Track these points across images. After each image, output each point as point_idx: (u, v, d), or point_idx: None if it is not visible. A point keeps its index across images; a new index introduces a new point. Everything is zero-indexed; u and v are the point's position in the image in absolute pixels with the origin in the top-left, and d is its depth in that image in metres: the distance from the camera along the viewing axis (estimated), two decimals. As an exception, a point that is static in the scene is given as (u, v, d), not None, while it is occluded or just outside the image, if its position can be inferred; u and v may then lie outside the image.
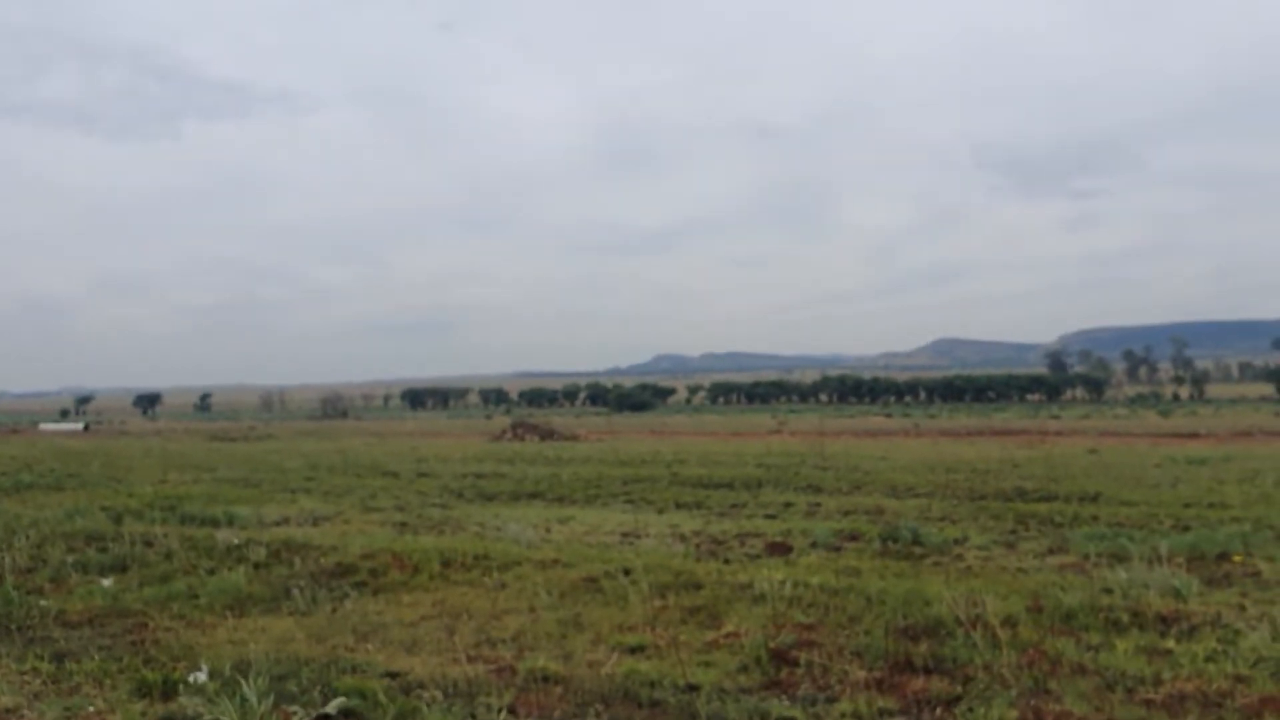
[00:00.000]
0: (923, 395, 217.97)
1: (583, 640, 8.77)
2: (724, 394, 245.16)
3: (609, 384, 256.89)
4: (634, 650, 8.38)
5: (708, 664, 7.88)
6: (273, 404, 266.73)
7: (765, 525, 17.38)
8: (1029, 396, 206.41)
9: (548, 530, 16.94)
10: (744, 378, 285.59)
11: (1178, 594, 10.11)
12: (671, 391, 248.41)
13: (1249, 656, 7.75)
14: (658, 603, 10.04)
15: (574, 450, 46.26)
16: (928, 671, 7.61)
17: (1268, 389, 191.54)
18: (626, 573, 11.42)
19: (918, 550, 14.07)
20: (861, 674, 7.55)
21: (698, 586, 10.85)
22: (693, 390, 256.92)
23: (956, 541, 14.83)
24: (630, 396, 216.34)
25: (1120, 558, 12.61)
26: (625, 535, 16.32)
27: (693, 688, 7.24)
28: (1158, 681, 7.20)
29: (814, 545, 14.58)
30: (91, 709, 7.11)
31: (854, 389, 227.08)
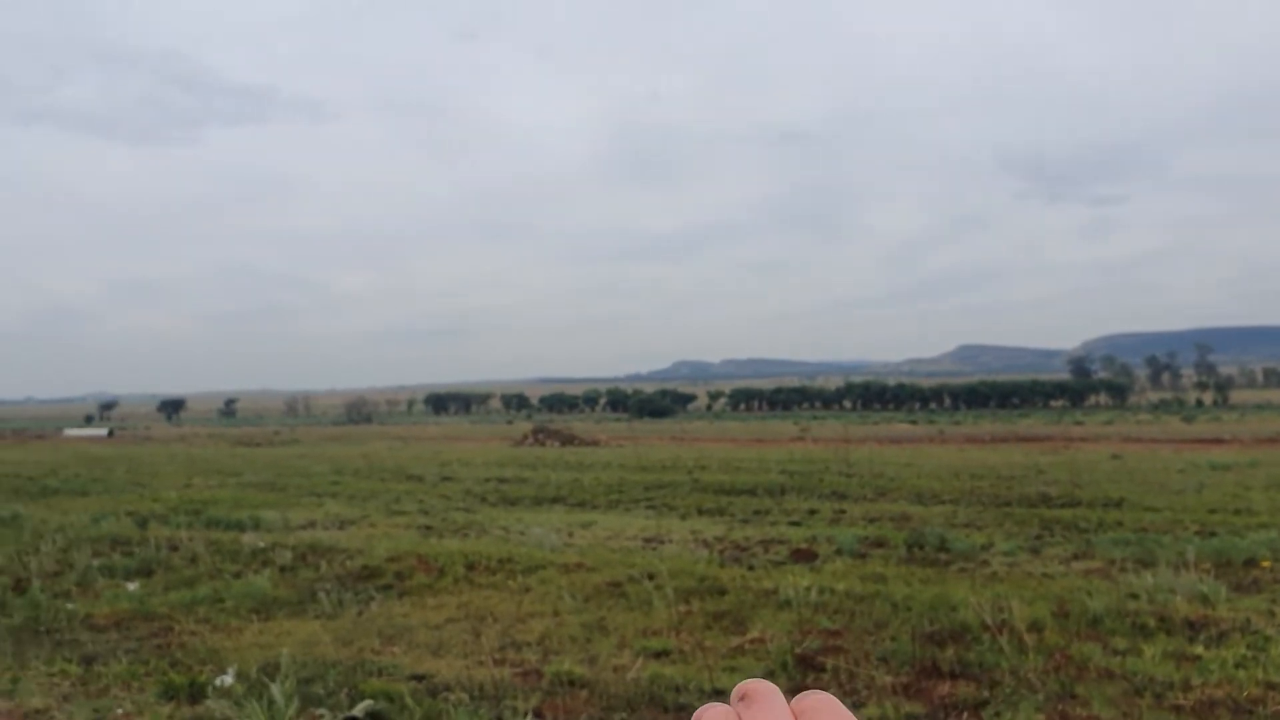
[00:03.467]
0: (947, 402, 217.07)
1: (607, 644, 8.78)
2: (745, 400, 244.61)
3: (629, 390, 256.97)
4: (659, 655, 8.39)
5: (733, 669, 7.87)
6: (297, 409, 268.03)
7: (789, 532, 17.33)
8: (1052, 403, 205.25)
9: (570, 535, 16.95)
10: (766, 384, 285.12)
11: (1205, 599, 10.04)
12: (692, 398, 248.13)
13: (1278, 662, 7.70)
14: (682, 608, 10.05)
15: (595, 456, 46.25)
16: (954, 676, 7.59)
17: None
18: (650, 577, 11.42)
19: (943, 556, 14.01)
20: (888, 679, 7.53)
21: (722, 592, 10.84)
22: (714, 396, 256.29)
23: (982, 547, 14.75)
24: (651, 402, 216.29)
25: (1146, 563, 12.54)
26: (648, 540, 16.32)
27: (718, 692, 7.24)
28: (1186, 687, 7.16)
29: (839, 552, 14.52)
30: (120, 711, 7.16)
31: (878, 395, 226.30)
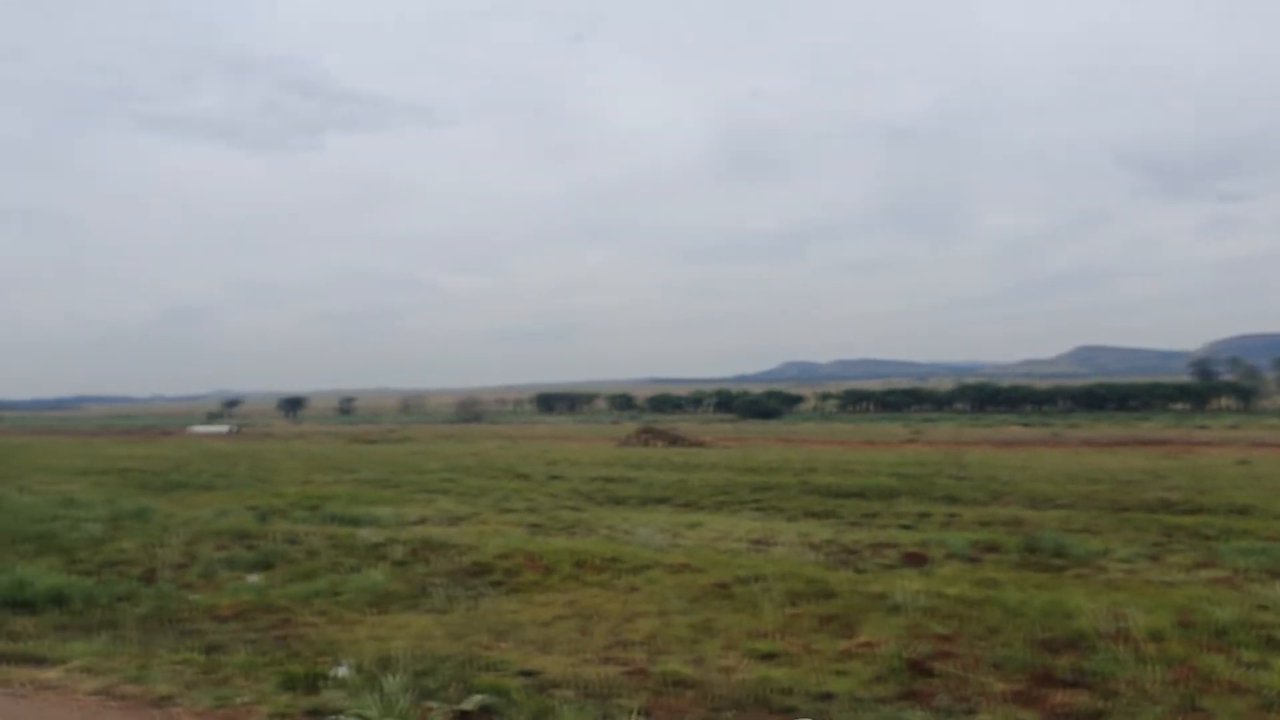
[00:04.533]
0: (1063, 404, 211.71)
1: (715, 645, 8.78)
2: (855, 402, 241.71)
3: (736, 390, 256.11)
4: (767, 657, 8.35)
5: (842, 673, 7.79)
6: (411, 408, 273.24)
7: (900, 535, 17.09)
8: (1174, 406, 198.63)
9: (677, 535, 16.96)
10: (876, 385, 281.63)
11: (1340, 613, 9.61)
12: (800, 399, 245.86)
13: None
14: (790, 610, 9.99)
15: (701, 456, 46.23)
16: (1070, 685, 7.40)
17: None
18: (758, 579, 11.38)
19: (1058, 562, 13.67)
20: (1001, 686, 7.38)
21: (831, 595, 10.74)
22: (822, 398, 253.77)
23: (1099, 554, 14.35)
24: (758, 403, 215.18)
25: (1277, 573, 12.07)
26: (755, 542, 16.24)
27: (827, 696, 7.18)
28: (1321, 703, 6.87)
29: (951, 556, 14.28)
30: (241, 700, 7.39)
31: (991, 397, 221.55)
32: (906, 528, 18.29)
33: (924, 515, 20.15)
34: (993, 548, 15.03)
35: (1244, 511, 19.95)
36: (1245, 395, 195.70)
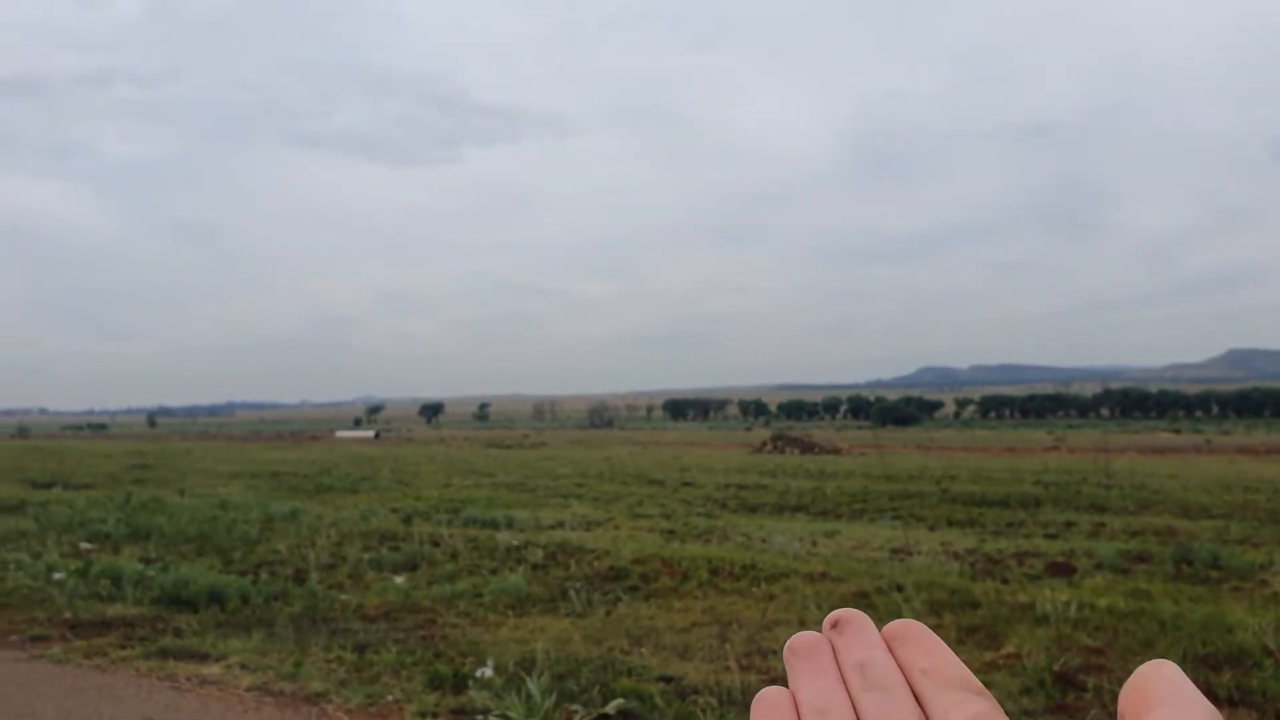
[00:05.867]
0: (1215, 409, 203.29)
1: (855, 654, 8.65)
2: (995, 408, 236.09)
3: (871, 397, 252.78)
4: (908, 667, 8.20)
5: (987, 684, 7.51)
6: (544, 413, 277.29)
7: (1045, 545, 16.61)
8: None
9: (814, 544, 16.81)
10: (1017, 390, 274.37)
11: None
12: (938, 405, 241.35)
13: None
14: (931, 620, 9.79)
15: (837, 464, 45.72)
16: (1232, 703, 7.09)
17: None
18: (899, 589, 11.19)
19: (1215, 574, 13.09)
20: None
21: (974, 605, 10.50)
22: (961, 404, 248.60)
23: (1260, 566, 13.69)
24: (894, 410, 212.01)
25: None
26: (894, 551, 15.99)
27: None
28: None
29: (1099, 566, 13.81)
30: (390, 698, 7.58)
31: (1138, 403, 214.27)
32: (1051, 537, 17.78)
33: (1069, 524, 19.56)
34: (1143, 558, 14.50)
35: None
36: None
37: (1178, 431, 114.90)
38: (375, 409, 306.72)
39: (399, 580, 12.76)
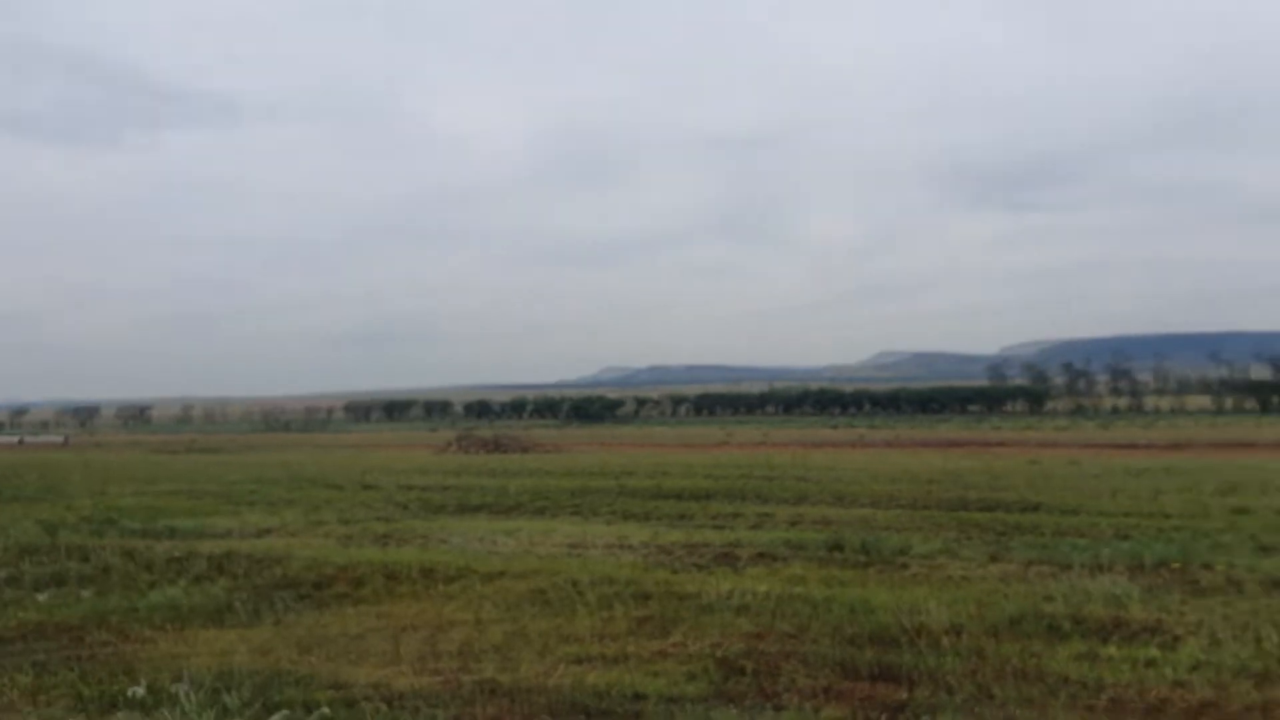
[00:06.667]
0: (867, 407, 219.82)
1: (530, 652, 8.72)
2: (674, 406, 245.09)
3: (557, 396, 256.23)
4: (581, 661, 8.35)
5: (655, 674, 7.85)
6: (215, 416, 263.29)
7: (713, 536, 17.38)
8: (970, 408, 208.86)
9: (494, 543, 16.82)
10: (692, 389, 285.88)
11: (1118, 601, 10.26)
12: (620, 404, 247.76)
13: (1188, 662, 7.88)
14: (605, 614, 10.02)
15: (521, 463, 46.08)
16: (874, 679, 7.66)
17: (1204, 401, 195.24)
18: (574, 584, 11.38)
19: (863, 559, 14.14)
20: (808, 682, 7.57)
21: (646, 597, 10.84)
22: (640, 402, 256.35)
23: (902, 550, 14.90)
24: (579, 409, 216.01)
25: (1062, 566, 12.78)
26: (572, 547, 16.25)
27: (640, 697, 7.23)
28: (1099, 687, 7.30)
29: (761, 555, 14.60)
30: (25, 725, 6.95)
31: (800, 401, 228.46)
32: (720, 528, 18.63)
33: (736, 515, 20.57)
34: (801, 546, 15.44)
35: (1034, 508, 21.11)
36: (1035, 398, 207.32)
37: (835, 428, 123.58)
38: (20, 411, 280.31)
39: (41, 598, 11.73)
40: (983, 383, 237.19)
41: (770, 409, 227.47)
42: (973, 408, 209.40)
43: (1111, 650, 8.32)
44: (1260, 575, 12.17)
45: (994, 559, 14.13)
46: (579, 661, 8.33)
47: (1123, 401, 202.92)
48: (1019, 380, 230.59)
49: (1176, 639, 8.64)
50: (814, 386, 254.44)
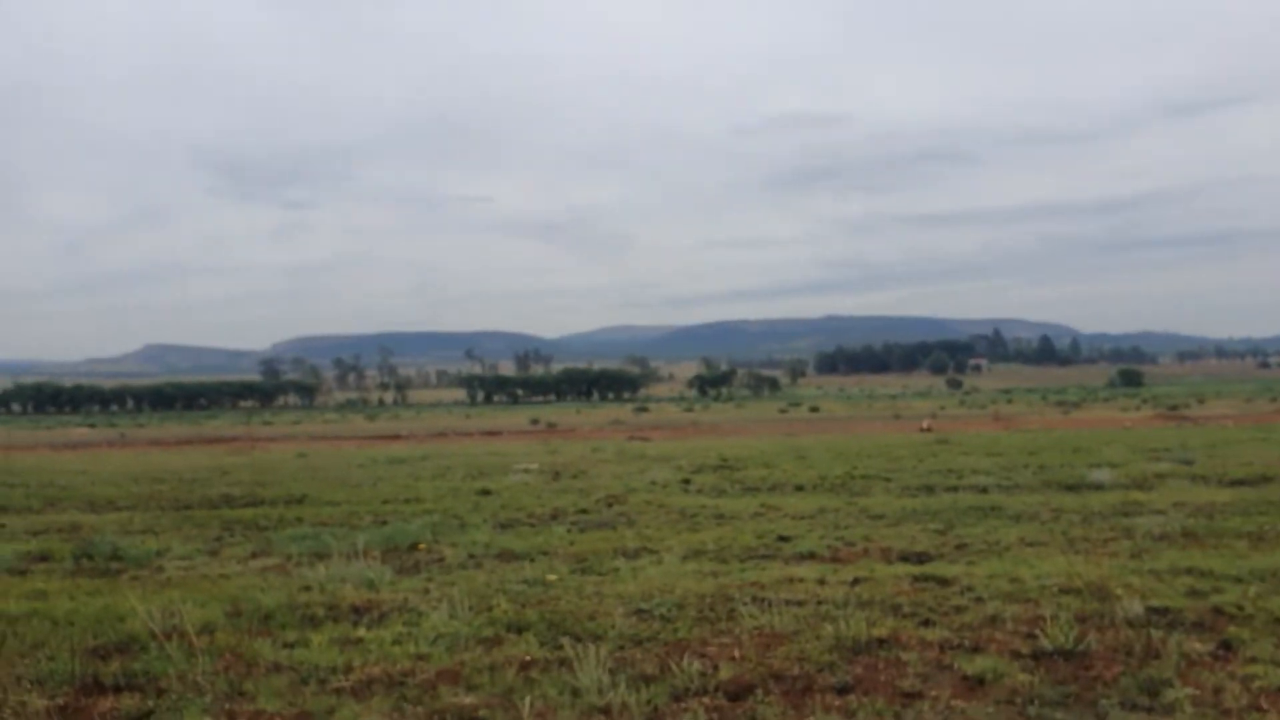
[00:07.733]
0: (131, 404, 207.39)
1: None
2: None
3: None
4: None
5: None
6: None
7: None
8: (243, 403, 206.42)
9: None
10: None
11: (371, 584, 10.77)
12: None
13: (429, 635, 8.50)
14: None
15: None
16: (118, 690, 7.25)
17: (460, 393, 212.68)
18: None
19: (116, 566, 13.30)
20: (44, 702, 6.96)
21: None
22: None
23: (158, 554, 14.26)
24: None
25: (322, 555, 13.10)
26: None
27: None
28: (349, 669, 7.60)
29: (-3, 571, 13.11)
30: None
31: (52, 398, 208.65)
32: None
33: (-32, 528, 18.24)
34: (44, 557, 14.17)
35: (299, 501, 21.39)
36: (308, 392, 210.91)
37: (93, 426, 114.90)
38: None
39: None
40: (256, 378, 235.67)
41: (16, 407, 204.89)
42: (246, 403, 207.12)
43: (363, 632, 8.69)
44: (497, 549, 13.55)
45: (255, 555, 14.11)
46: None
47: (390, 395, 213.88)
48: (292, 375, 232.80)
49: (422, 615, 9.25)
50: (69, 382, 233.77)
